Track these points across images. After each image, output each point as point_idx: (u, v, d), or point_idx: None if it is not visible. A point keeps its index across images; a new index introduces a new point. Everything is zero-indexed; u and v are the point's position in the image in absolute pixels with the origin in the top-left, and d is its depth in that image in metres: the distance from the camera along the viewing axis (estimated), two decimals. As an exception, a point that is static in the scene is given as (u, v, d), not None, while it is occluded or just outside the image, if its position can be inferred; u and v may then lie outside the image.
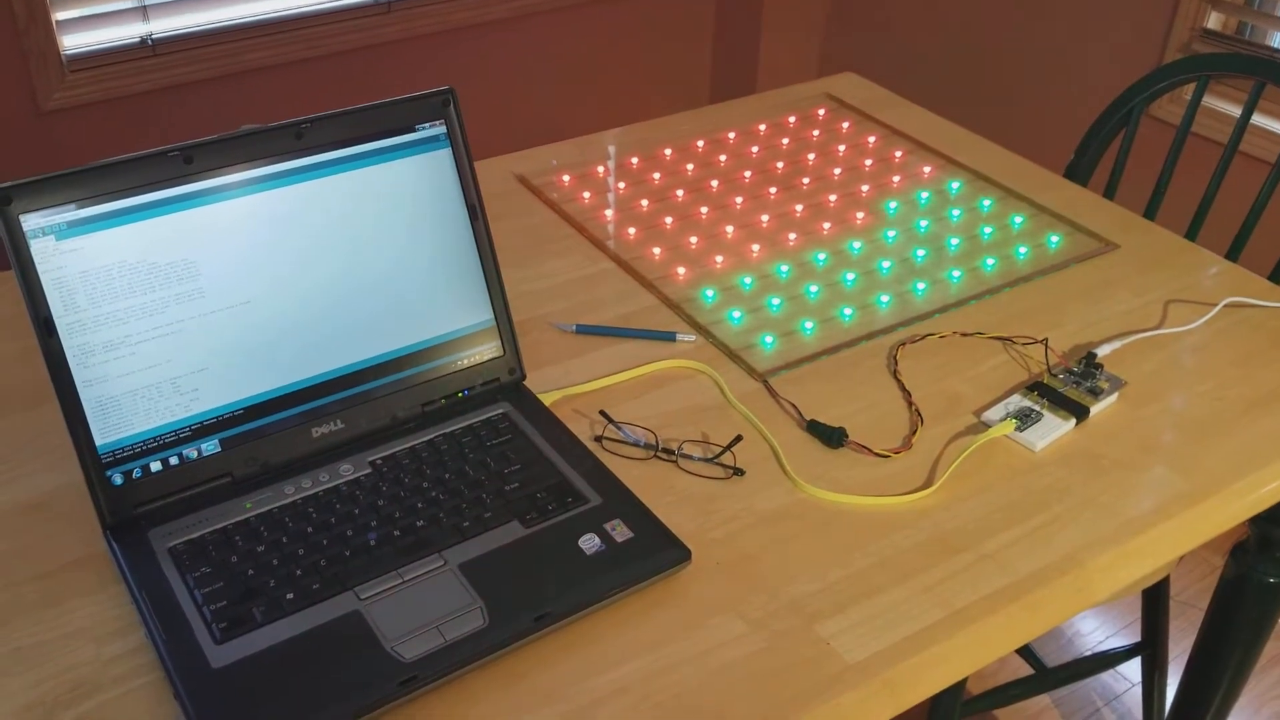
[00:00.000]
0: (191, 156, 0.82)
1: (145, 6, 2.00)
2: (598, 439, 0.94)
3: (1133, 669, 1.72)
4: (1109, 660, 1.47)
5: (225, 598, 0.76)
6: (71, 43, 1.97)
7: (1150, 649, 1.48)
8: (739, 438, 0.93)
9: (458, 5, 2.29)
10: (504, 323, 0.95)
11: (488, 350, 0.95)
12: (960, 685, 1.31)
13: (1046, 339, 1.06)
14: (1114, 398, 1.00)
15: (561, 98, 2.55)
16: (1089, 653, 1.75)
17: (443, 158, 0.91)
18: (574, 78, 2.54)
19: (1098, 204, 1.32)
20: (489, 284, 0.94)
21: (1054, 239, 1.24)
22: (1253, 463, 0.94)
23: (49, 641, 0.76)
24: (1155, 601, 1.44)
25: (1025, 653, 1.55)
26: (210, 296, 0.84)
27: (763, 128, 1.46)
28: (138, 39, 2.02)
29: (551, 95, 2.53)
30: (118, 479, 0.81)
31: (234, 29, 2.09)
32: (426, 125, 0.90)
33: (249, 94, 2.15)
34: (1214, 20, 1.91)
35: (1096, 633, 1.79)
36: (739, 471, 0.92)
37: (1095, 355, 1.03)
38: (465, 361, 0.94)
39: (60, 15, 1.93)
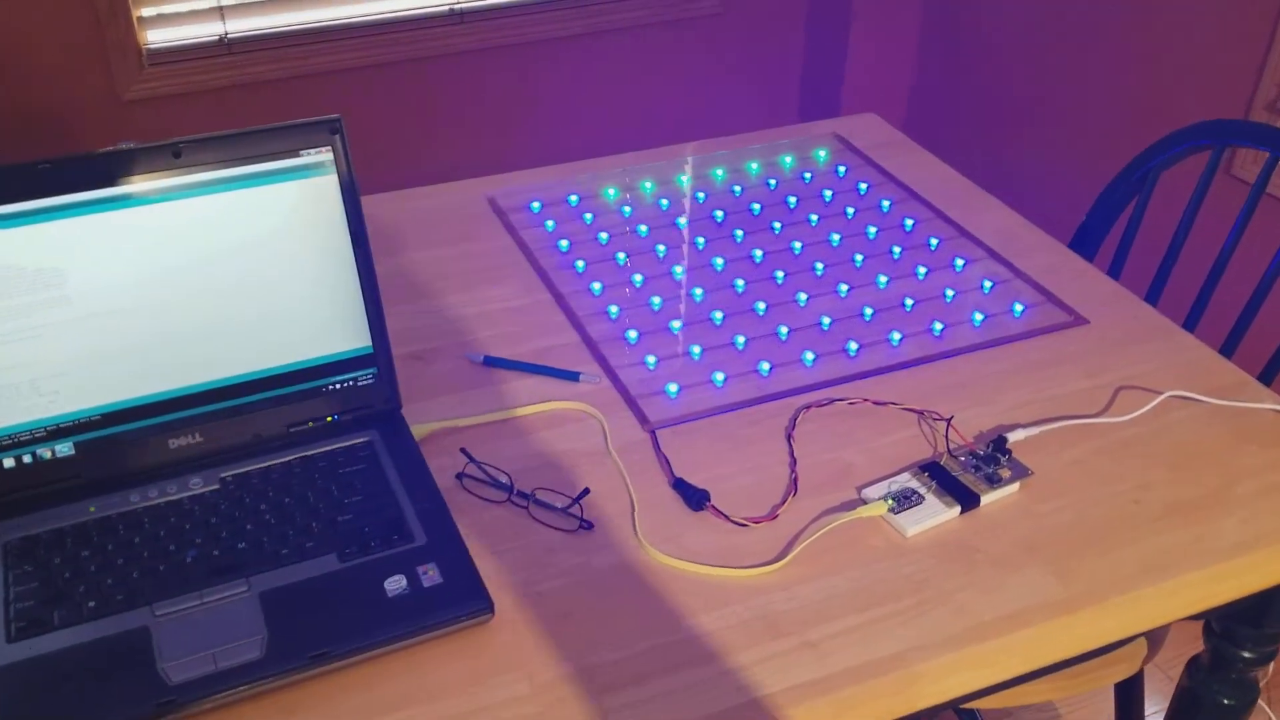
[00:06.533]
0: (64, 169, 0.85)
1: (222, 7, 2.09)
2: (459, 476, 0.94)
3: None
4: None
5: (35, 598, 0.79)
6: (154, 38, 2.07)
7: (1123, 751, 1.38)
8: (586, 491, 0.91)
9: (532, 19, 2.32)
10: (382, 351, 0.96)
11: (363, 377, 0.96)
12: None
13: (951, 417, 1.00)
14: (1014, 488, 0.93)
15: (631, 116, 2.54)
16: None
17: (328, 184, 0.92)
18: (648, 96, 2.53)
19: (1086, 274, 1.23)
20: (369, 312, 0.95)
21: (1019, 308, 1.16)
22: (1145, 577, 0.86)
23: (-126, 621, 0.80)
24: (1128, 698, 1.35)
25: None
26: (76, 304, 0.86)
27: (755, 167, 1.42)
28: (215, 38, 2.11)
29: (622, 113, 2.53)
30: (-34, 472, 0.85)
31: (307, 32, 2.16)
32: (312, 151, 0.91)
33: (318, 95, 2.22)
34: (1301, 80, 1.77)
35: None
36: (587, 525, 0.90)
37: (1006, 440, 0.96)
38: (337, 386, 0.95)
39: (144, 12, 2.04)
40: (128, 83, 2.07)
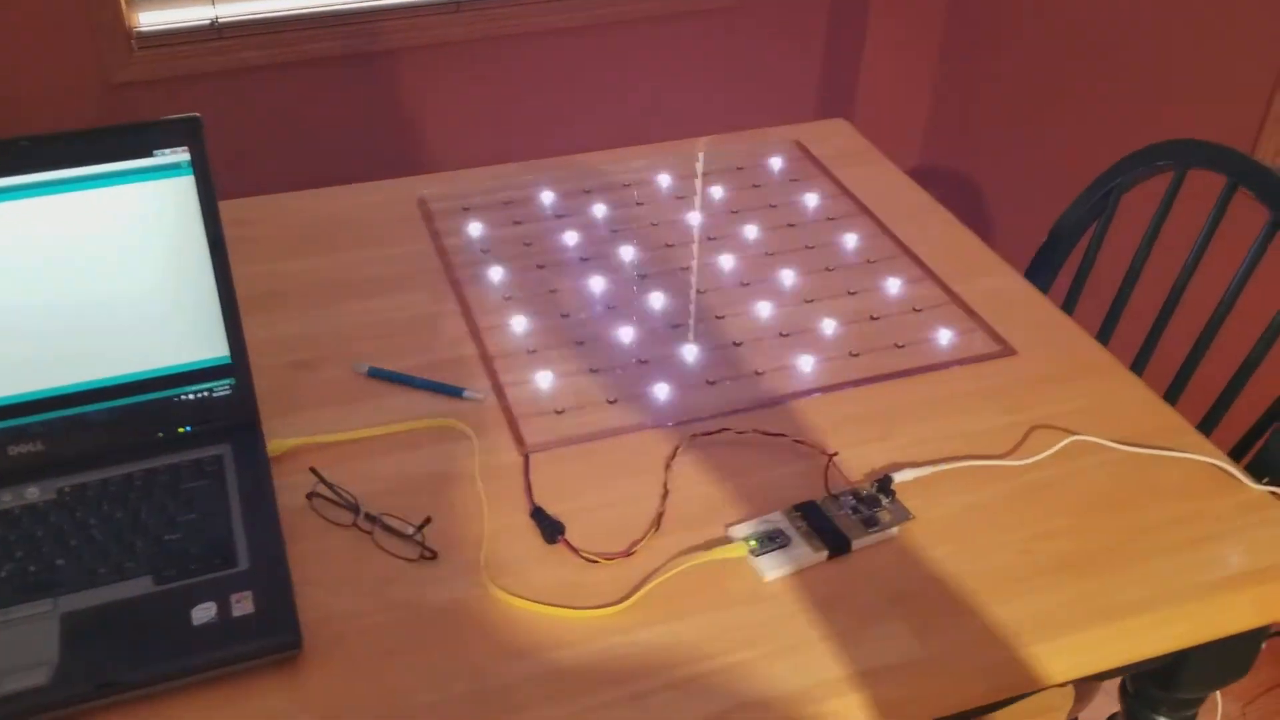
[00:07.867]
0: (-102, 165, 0.82)
1: (212, -9, 2.07)
2: (311, 496, 0.90)
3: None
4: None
5: None
6: (144, 21, 2.07)
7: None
8: (428, 519, 0.87)
9: (533, 9, 2.27)
10: (240, 361, 0.92)
11: (219, 388, 0.92)
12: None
13: (835, 454, 0.94)
14: (893, 532, 0.87)
15: (639, 112, 2.49)
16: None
17: (184, 186, 0.89)
18: (657, 91, 2.48)
19: (1030, 301, 1.16)
20: (226, 320, 0.91)
21: (945, 335, 1.09)
22: (1014, 640, 0.80)
23: None
24: (1067, 753, 1.27)
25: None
26: (-89, 304, 0.84)
27: (702, 174, 1.36)
28: (206, 21, 2.10)
29: (629, 109, 2.48)
30: None
31: (299, 18, 2.14)
32: (166, 151, 0.88)
33: (310, 83, 2.19)
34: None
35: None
36: (430, 554, 0.85)
37: (891, 480, 0.90)
38: (191, 397, 0.91)
39: (134, -6, 2.03)
40: (117, 66, 2.06)
